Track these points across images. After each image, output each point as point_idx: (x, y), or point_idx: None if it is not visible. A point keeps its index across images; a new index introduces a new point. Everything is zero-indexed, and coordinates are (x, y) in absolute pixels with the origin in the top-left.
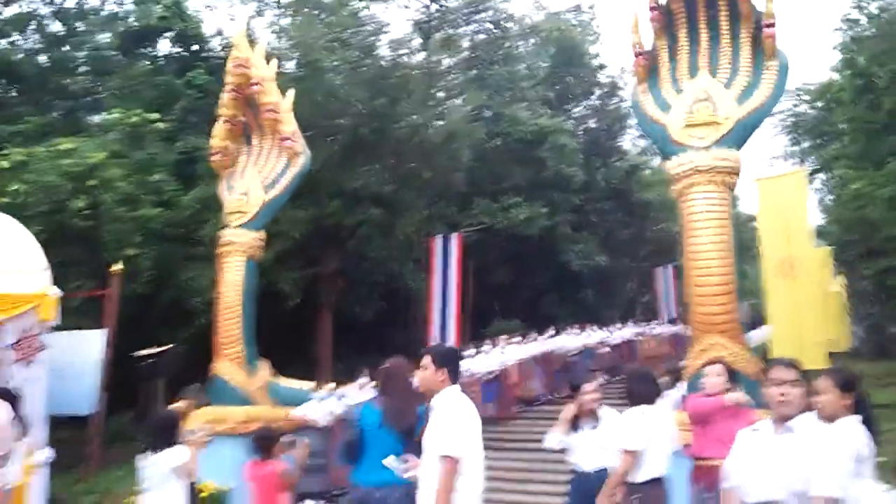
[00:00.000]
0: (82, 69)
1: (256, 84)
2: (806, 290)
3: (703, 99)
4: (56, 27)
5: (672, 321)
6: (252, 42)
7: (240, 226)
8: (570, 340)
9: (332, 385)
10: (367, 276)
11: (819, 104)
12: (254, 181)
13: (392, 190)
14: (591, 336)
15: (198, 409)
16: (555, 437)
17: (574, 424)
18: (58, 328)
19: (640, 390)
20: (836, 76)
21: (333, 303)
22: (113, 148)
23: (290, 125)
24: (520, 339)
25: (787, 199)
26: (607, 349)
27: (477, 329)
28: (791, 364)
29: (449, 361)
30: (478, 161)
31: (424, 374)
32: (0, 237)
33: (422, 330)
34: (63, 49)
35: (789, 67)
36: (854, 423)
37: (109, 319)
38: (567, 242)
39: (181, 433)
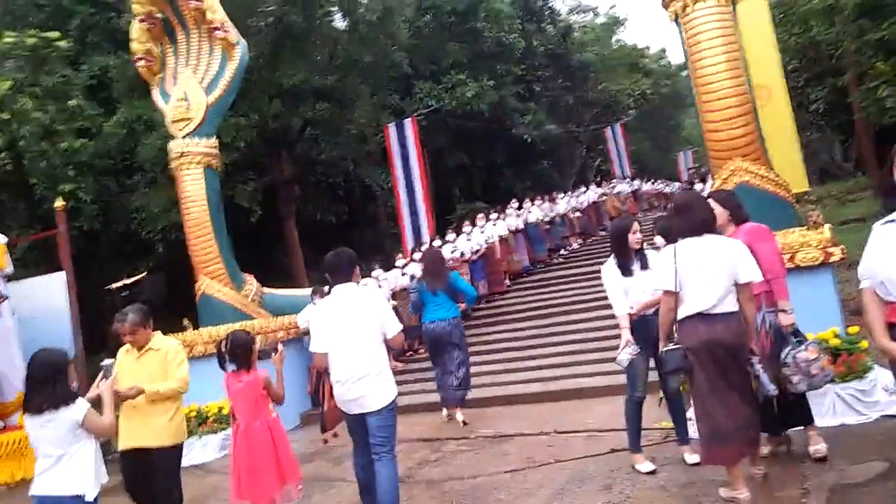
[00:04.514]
0: None
1: None
2: (779, 114)
3: None
4: None
5: (628, 178)
6: None
7: (188, 134)
8: (544, 210)
9: (326, 289)
10: (322, 178)
11: None
12: (190, 83)
13: (334, 81)
14: (560, 203)
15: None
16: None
17: (624, 269)
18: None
19: (687, 222)
20: None
21: (294, 211)
22: (16, 76)
23: (217, 13)
24: (496, 215)
25: (749, 25)
26: (578, 214)
27: (441, 216)
28: None
29: None
30: (413, 40)
31: None
32: None
33: (388, 225)
34: None
35: None
36: None
37: (65, 260)
38: (516, 115)
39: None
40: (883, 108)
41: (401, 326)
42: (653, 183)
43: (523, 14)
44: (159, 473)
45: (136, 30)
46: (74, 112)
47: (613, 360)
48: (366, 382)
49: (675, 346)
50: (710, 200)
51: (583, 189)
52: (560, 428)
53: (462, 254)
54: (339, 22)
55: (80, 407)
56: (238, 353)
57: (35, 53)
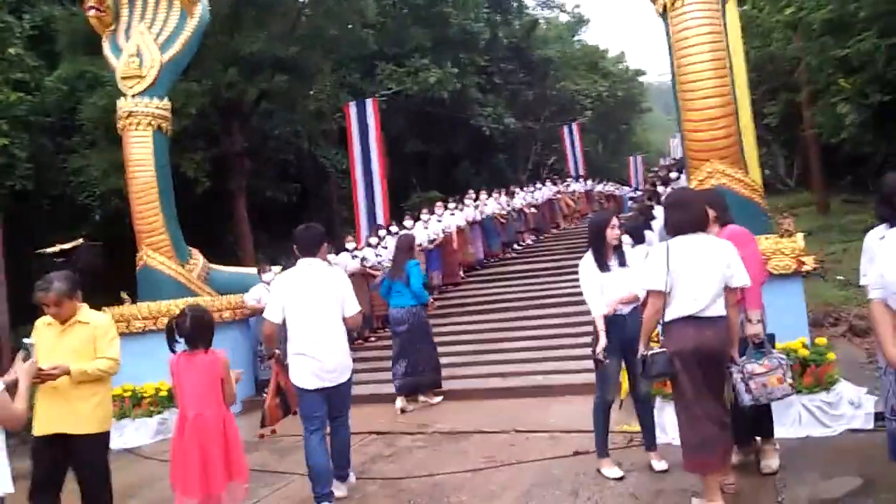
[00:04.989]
0: None
1: None
2: (743, 124)
3: None
4: None
5: (581, 178)
6: None
7: (139, 93)
8: (501, 204)
9: (279, 268)
10: (275, 155)
11: None
12: (145, 39)
13: (295, 52)
14: (517, 198)
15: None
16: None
17: (601, 265)
18: None
19: (683, 219)
20: None
21: (244, 187)
22: None
23: None
24: (454, 205)
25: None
26: (533, 210)
27: (395, 203)
28: None
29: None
30: (380, 19)
31: None
32: None
33: (340, 207)
34: None
35: None
36: None
37: None
38: (476, 106)
39: None
40: (838, 125)
41: (359, 308)
42: (604, 185)
43: (491, 4)
44: (83, 465)
45: None
46: (13, 62)
47: (573, 358)
48: (338, 354)
49: (659, 350)
50: None
51: (539, 185)
52: (521, 426)
53: (420, 243)
54: None
55: None
56: (201, 330)
57: None
